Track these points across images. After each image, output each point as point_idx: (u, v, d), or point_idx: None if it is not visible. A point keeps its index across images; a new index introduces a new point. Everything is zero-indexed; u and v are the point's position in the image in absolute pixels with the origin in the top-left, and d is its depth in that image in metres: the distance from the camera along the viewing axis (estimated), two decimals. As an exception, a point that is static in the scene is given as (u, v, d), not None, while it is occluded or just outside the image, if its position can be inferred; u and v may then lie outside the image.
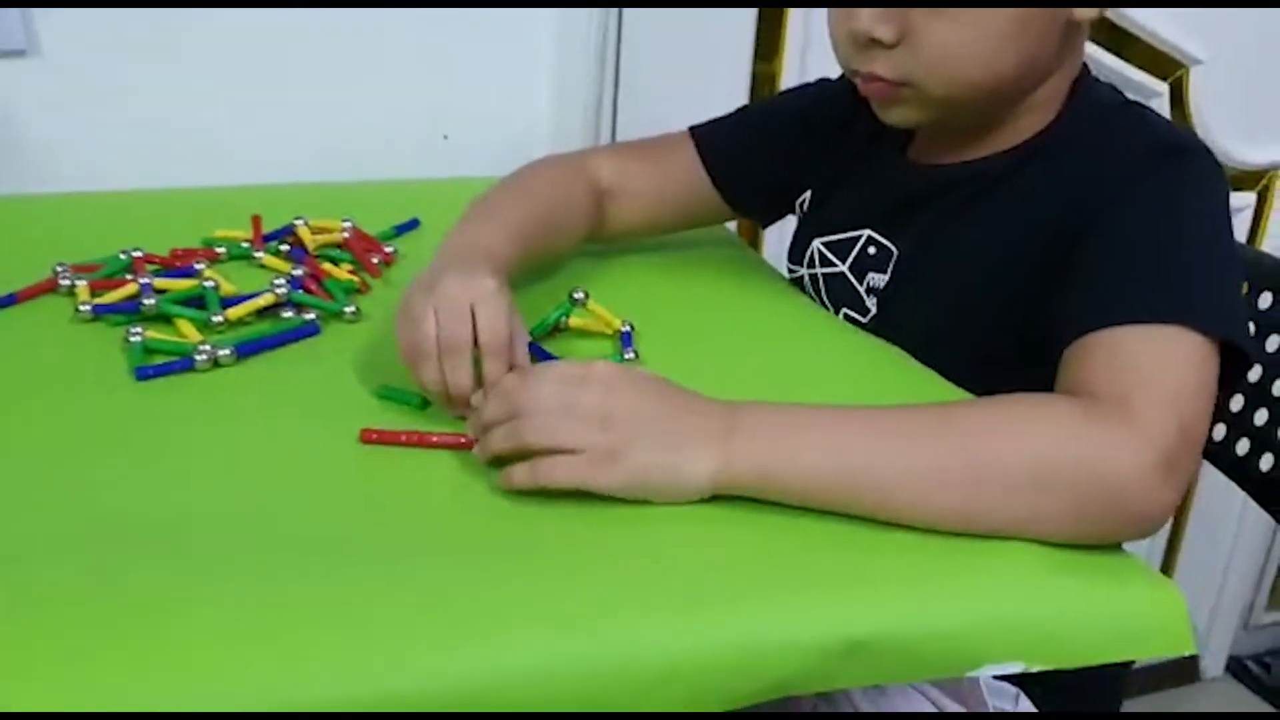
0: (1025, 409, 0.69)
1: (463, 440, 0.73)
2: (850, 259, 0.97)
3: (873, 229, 0.95)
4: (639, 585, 0.61)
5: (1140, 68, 1.54)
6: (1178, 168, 0.80)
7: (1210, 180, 0.81)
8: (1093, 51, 1.49)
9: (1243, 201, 1.69)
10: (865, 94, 0.88)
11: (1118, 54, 1.52)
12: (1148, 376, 0.69)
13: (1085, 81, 0.89)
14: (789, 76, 1.40)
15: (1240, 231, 1.71)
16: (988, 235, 0.87)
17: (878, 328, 0.94)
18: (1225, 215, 0.80)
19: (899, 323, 0.93)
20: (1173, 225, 0.77)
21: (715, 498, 0.68)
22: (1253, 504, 1.07)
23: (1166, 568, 1.94)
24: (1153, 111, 0.88)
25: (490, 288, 0.78)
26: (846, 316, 0.97)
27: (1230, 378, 0.74)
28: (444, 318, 0.76)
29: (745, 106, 1.12)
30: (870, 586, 0.63)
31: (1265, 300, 1.06)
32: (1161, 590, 0.65)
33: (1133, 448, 0.65)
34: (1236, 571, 1.98)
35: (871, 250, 0.95)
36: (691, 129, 1.07)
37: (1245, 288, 1.07)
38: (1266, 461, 1.03)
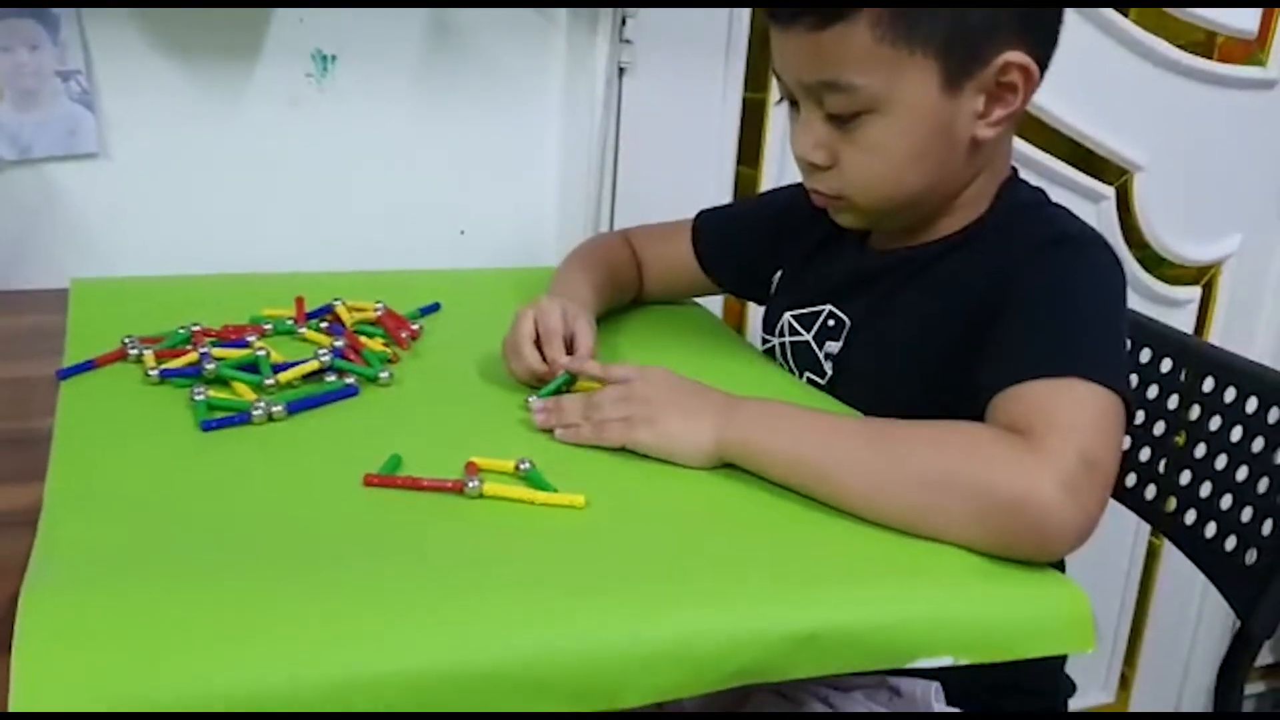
0: (951, 431, 0.84)
1: (449, 485, 0.85)
2: (814, 330, 1.11)
3: (833, 304, 1.10)
4: (621, 583, 0.74)
5: (1089, 174, 1.71)
6: (1074, 254, 0.95)
7: (1102, 264, 0.96)
8: (1044, 159, 1.66)
9: (1188, 295, 1.85)
10: (814, 203, 1.04)
11: (1068, 161, 1.69)
12: (1049, 414, 0.82)
13: (1011, 183, 1.04)
14: (768, 178, 1.57)
15: (1187, 321, 1.86)
16: (921, 309, 1.02)
17: (833, 389, 1.08)
18: (1114, 292, 0.95)
19: (850, 383, 1.07)
20: (1068, 299, 0.92)
21: (700, 508, 0.84)
22: (1213, 589, 1.16)
23: (1131, 648, 2.04)
24: (1063, 209, 1.03)
25: (574, 309, 1.07)
26: (809, 379, 1.11)
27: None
28: (542, 316, 1.04)
29: (740, 200, 1.30)
30: (825, 587, 0.76)
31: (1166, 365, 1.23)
32: (1070, 597, 0.78)
33: (1034, 468, 0.78)
34: (1200, 653, 2.06)
35: (830, 323, 1.10)
36: (698, 215, 1.27)
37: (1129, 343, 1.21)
38: (1230, 543, 1.13)
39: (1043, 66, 0.97)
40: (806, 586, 0.76)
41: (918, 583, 0.78)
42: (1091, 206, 1.72)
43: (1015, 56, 0.94)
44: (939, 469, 0.80)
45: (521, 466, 0.87)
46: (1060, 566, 1.13)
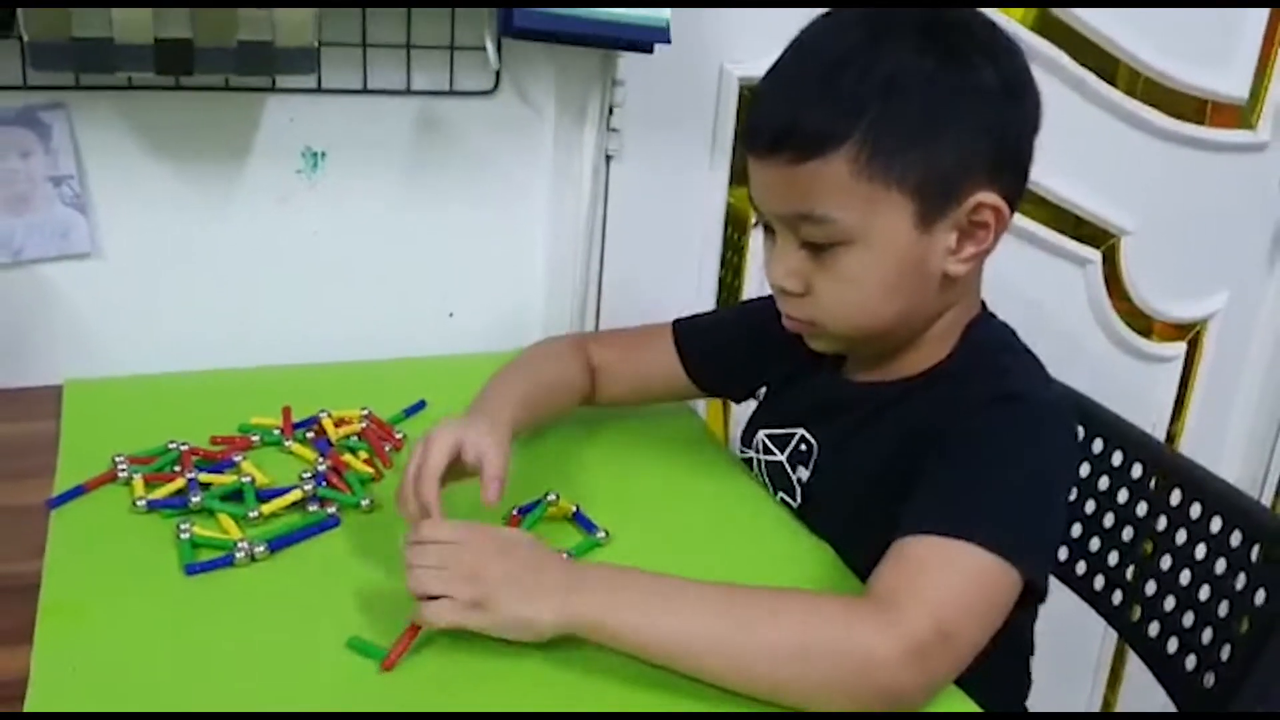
0: (802, 598, 0.88)
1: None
2: (787, 451, 1.14)
3: (804, 428, 1.12)
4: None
5: (1076, 239, 1.72)
6: (1015, 414, 0.96)
7: (1041, 426, 0.96)
8: (1033, 228, 1.67)
9: (1173, 351, 1.87)
10: (787, 328, 1.06)
11: (1056, 228, 1.70)
12: (917, 579, 0.85)
13: (978, 323, 1.05)
14: (756, 240, 1.57)
15: (1171, 378, 1.88)
16: (880, 447, 1.04)
17: (804, 514, 1.11)
18: (1049, 459, 0.95)
19: (818, 511, 1.10)
20: (992, 460, 0.93)
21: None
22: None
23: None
24: (1019, 358, 1.04)
25: (481, 430, 1.01)
26: (783, 499, 1.14)
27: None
28: (427, 452, 0.98)
29: (722, 308, 1.30)
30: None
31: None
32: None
33: (882, 634, 0.82)
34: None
35: (802, 446, 1.12)
36: (675, 323, 1.26)
37: (1103, 444, 1.24)
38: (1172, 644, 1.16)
39: (1012, 206, 0.99)
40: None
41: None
42: (1078, 270, 1.73)
43: (987, 197, 0.95)
44: (794, 640, 0.83)
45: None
46: (1029, 648, 1.18)
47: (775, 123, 0.96)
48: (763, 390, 1.22)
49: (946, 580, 0.86)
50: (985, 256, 1.01)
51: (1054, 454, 0.97)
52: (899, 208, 0.95)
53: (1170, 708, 1.16)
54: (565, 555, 1.01)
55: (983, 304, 1.08)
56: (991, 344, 1.05)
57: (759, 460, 1.17)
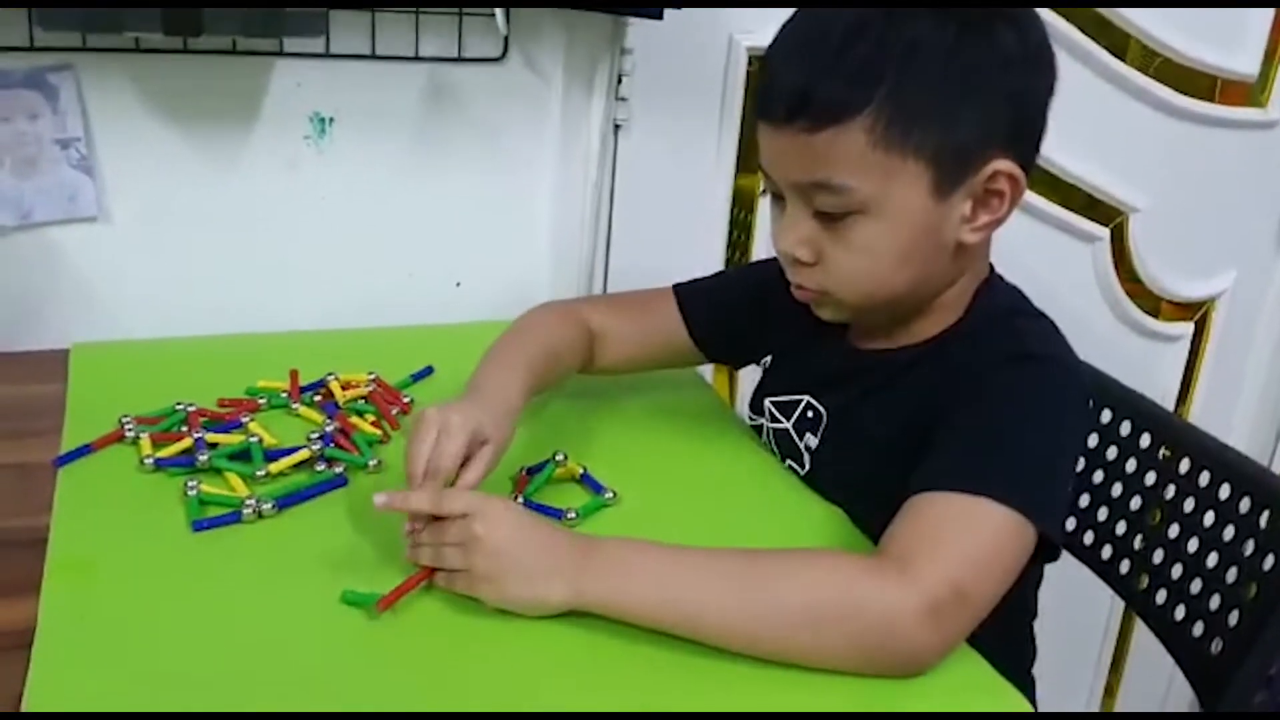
0: (815, 560, 0.87)
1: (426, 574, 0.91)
2: (793, 419, 1.13)
3: (811, 396, 1.12)
4: None
5: (1084, 215, 1.72)
6: (1030, 374, 0.96)
7: (1057, 387, 0.96)
8: (1040, 204, 1.67)
9: (1181, 331, 1.86)
10: (796, 297, 1.05)
11: (1063, 204, 1.69)
12: (934, 537, 0.85)
13: (987, 287, 1.05)
14: (762, 219, 1.58)
15: (1179, 358, 1.87)
16: (890, 414, 1.04)
17: (812, 481, 1.11)
18: (1064, 418, 0.95)
19: (826, 478, 1.10)
20: (1010, 418, 0.93)
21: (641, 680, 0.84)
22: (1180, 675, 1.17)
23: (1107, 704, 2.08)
24: (1034, 321, 1.03)
25: (491, 419, 0.99)
26: (790, 466, 1.14)
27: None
28: (440, 448, 0.95)
29: (723, 271, 1.29)
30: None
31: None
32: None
33: (899, 595, 0.81)
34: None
35: (809, 414, 1.12)
36: (675, 287, 1.24)
37: (1111, 414, 1.24)
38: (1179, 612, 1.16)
39: (1027, 174, 0.98)
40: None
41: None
42: (1086, 247, 1.73)
43: (1004, 165, 0.94)
44: (809, 602, 0.83)
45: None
46: (1033, 611, 1.17)
47: (791, 90, 0.93)
48: (767, 358, 1.22)
49: (963, 537, 0.86)
50: (999, 225, 1.00)
51: (1068, 412, 0.96)
52: (916, 177, 0.93)
53: (1178, 675, 1.16)
54: (574, 514, 1.02)
55: (990, 266, 1.07)
56: (1002, 308, 1.05)
57: (767, 428, 1.17)
